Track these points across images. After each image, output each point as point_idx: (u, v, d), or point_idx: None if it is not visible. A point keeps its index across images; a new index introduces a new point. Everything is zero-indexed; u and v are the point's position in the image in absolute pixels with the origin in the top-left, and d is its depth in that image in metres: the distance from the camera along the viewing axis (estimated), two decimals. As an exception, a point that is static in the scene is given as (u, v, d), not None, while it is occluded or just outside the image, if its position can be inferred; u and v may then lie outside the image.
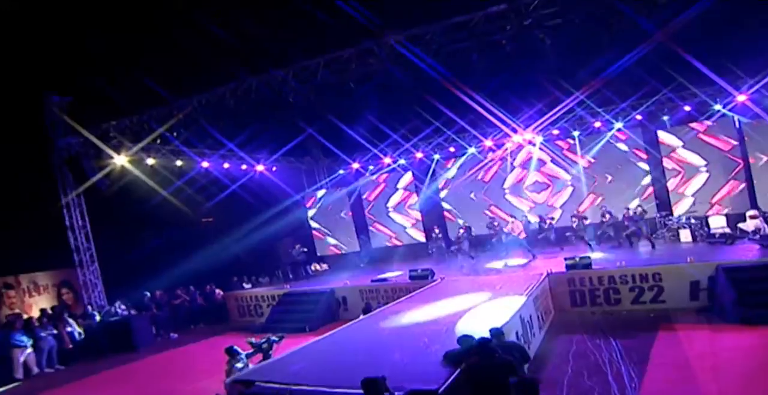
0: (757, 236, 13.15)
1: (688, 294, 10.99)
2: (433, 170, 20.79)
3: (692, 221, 15.29)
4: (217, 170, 18.42)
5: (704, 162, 16.36)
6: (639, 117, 16.88)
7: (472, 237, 17.96)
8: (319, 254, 21.99)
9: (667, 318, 10.50)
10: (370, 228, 22.08)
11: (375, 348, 7.18)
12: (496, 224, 16.43)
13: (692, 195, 16.58)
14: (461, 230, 16.65)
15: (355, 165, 21.50)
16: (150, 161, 15.80)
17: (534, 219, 16.76)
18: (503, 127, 17.22)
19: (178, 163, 17.09)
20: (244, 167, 19.42)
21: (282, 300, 14.74)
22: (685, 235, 14.71)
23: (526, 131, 17.81)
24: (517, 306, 8.55)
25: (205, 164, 17.93)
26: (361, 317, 9.90)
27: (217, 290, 17.19)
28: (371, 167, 21.68)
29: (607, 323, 10.63)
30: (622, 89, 15.98)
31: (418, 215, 21.14)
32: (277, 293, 15.24)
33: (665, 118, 16.78)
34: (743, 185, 15.69)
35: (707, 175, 16.34)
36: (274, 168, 20.53)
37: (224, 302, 16.68)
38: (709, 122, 16.33)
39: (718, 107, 15.97)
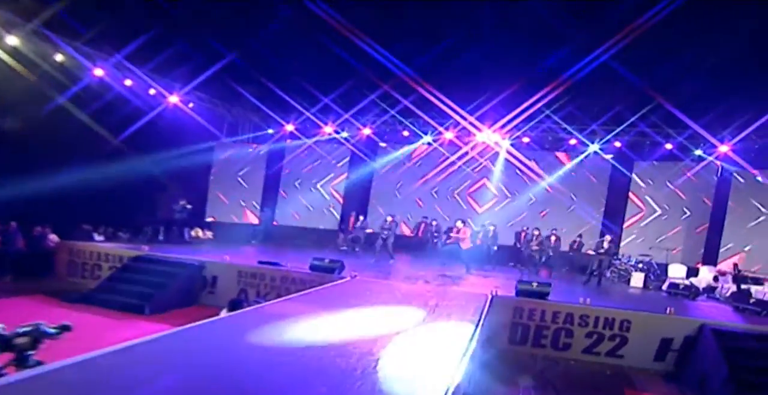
0: (719, 295, 11.22)
1: (654, 353, 8.76)
2: (376, 151, 17.40)
3: (640, 265, 13.25)
4: (117, 86, 13.80)
5: (671, 204, 14.45)
6: (618, 144, 14.79)
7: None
8: (207, 218, 17.73)
9: (629, 380, 8.15)
10: (279, 199, 18.20)
11: (226, 381, 3.62)
12: (433, 222, 13.43)
13: (643, 237, 14.59)
14: (389, 219, 13.33)
15: (289, 127, 17.52)
16: (12, 41, 11.16)
17: (489, 229, 13.79)
18: (460, 120, 14.51)
19: (59, 58, 12.49)
20: (152, 91, 14.85)
21: (129, 265, 10.61)
22: (637, 279, 12.59)
23: (492, 131, 15.08)
24: (467, 343, 5.38)
25: (98, 73, 13.31)
26: (223, 314, 6.27)
27: (52, 236, 12.61)
28: (307, 141, 17.79)
29: (552, 374, 8.04)
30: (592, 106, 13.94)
31: (341, 199, 17.67)
32: (128, 254, 11.07)
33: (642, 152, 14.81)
34: (704, 236, 13.90)
35: (671, 218, 14.44)
36: (191, 104, 16.02)
37: (54, 252, 12.14)
38: (690, 165, 14.50)
39: (698, 152, 14.25)
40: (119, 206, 14.71)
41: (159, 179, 15.25)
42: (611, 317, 8.80)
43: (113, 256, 11.17)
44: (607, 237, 12.37)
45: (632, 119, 14.01)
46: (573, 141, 15.38)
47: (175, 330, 4.86)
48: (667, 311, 8.77)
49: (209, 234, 16.23)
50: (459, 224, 12.35)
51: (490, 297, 8.99)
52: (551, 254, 12.95)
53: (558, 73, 12.60)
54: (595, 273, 12.29)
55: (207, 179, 17.86)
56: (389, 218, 13.27)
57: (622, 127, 14.39)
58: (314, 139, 17.60)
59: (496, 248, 13.55)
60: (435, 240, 14.11)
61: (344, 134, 17.36)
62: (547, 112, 14.55)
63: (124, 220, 14.93)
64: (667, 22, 10.98)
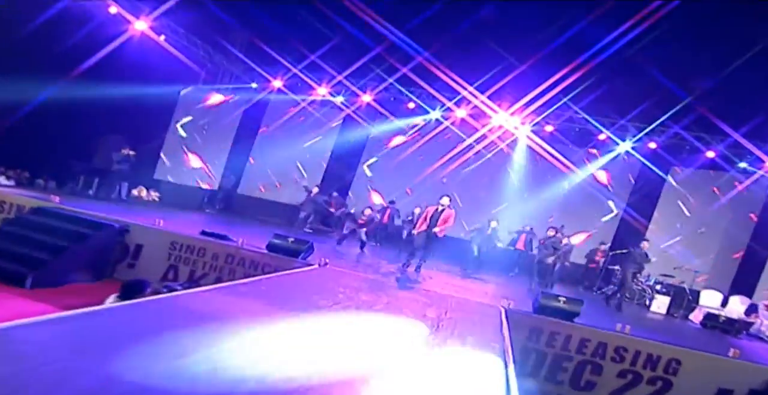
0: (759, 333, 9.30)
1: (706, 408, 6.56)
2: (374, 121, 14.92)
3: (658, 286, 11.28)
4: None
5: (708, 221, 12.49)
6: (653, 145, 12.77)
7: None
8: (157, 176, 15.03)
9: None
10: (248, 165, 15.58)
11: None
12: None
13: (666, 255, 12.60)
14: (377, 205, 10.86)
15: (276, 83, 14.75)
16: None
17: (489, 226, 11.41)
18: (470, 97, 12.32)
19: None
20: (113, 10, 12.06)
21: (24, 219, 7.96)
22: (661, 304, 10.57)
23: (509, 113, 12.91)
24: (505, 387, 3.13)
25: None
26: (108, 303, 3.87)
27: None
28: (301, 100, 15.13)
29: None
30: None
31: (322, 173, 15.24)
32: (28, 203, 8.41)
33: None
34: (737, 262, 12.01)
35: (705, 237, 12.50)
36: (162, 37, 13.18)
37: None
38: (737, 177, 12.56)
39: (743, 164, 12.33)
40: (47, 147, 11.95)
41: (106, 119, 12.53)
42: (656, 353, 6.69)
43: (10, 205, 8.48)
44: (645, 244, 10.13)
45: (663, 118, 12.04)
46: (602, 136, 13.24)
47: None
48: (731, 353, 6.68)
49: (155, 195, 13.57)
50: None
51: (503, 310, 6.77)
52: (567, 264, 10.75)
53: (582, 50, 10.98)
54: (617, 293, 10.21)
55: (166, 129, 15.09)
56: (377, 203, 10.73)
57: (654, 125, 12.37)
58: (302, 97, 14.94)
59: (484, 249, 11.16)
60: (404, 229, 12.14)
61: (339, 99, 14.82)
62: (566, 100, 12.47)
63: (52, 165, 12.20)
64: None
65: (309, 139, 15.24)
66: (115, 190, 12.34)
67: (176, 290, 4.62)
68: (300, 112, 14.99)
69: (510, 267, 12.06)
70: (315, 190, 12.69)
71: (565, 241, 10.91)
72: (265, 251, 7.82)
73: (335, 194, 13.54)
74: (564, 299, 7.06)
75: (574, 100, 12.61)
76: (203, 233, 8.32)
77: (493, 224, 11.48)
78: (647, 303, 11.06)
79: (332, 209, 13.13)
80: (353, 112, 14.82)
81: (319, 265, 7.50)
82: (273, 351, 3.12)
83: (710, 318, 9.35)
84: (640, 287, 11.42)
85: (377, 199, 14.70)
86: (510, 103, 12.95)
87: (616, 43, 10.78)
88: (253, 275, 7.16)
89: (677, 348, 6.76)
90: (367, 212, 11.13)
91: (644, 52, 10.90)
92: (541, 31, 11.09)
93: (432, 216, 8.47)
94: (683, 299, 10.44)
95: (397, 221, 13.13)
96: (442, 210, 8.51)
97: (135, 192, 13.08)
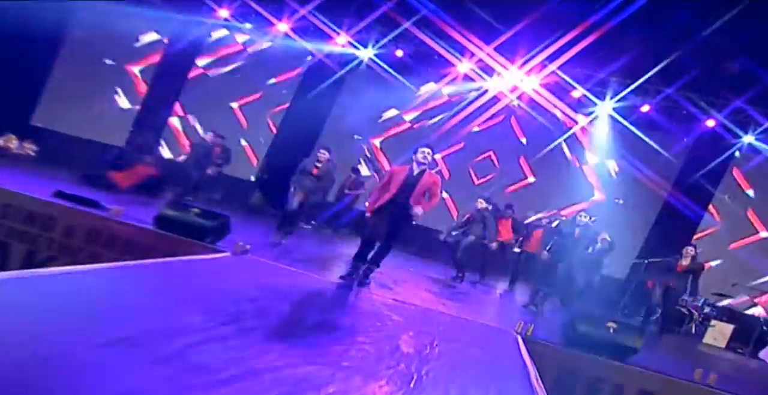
0: None
1: None
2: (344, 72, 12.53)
3: (708, 308, 9.59)
4: None
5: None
6: (711, 122, 11.00)
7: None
8: (36, 122, 12.53)
9: None
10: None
11: None
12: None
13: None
14: (323, 156, 7.70)
15: (223, 13, 11.95)
16: None
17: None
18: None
19: None
20: None
21: None
22: (721, 333, 8.77)
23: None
24: None
25: None
26: None
27: None
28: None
29: None
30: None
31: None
32: None
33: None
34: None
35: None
36: None
37: None
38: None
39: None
40: None
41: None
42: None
43: None
44: (689, 250, 8.27)
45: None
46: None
47: None
48: None
49: (30, 148, 11.12)
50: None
51: (519, 338, 4.83)
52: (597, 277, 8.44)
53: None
54: (656, 315, 8.39)
55: (52, 57, 12.50)
56: (323, 155, 7.88)
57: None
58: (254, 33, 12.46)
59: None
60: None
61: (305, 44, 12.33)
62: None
63: None
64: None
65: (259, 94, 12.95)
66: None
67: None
68: (249, 56, 12.66)
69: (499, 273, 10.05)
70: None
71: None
72: (151, 228, 5.68)
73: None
74: (614, 325, 5.13)
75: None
76: (58, 194, 6.11)
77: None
78: (693, 330, 9.31)
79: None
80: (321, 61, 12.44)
81: (233, 253, 5.40)
82: None
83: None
84: (684, 307, 9.66)
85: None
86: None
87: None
88: (127, 260, 5.05)
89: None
90: None
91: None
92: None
93: (404, 183, 5.54)
94: (753, 328, 8.65)
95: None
96: (421, 172, 5.63)
97: (1, 142, 10.68)
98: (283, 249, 7.14)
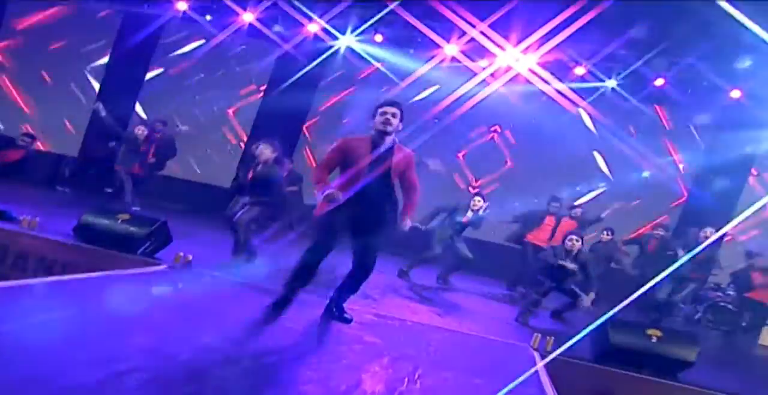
0: None
1: None
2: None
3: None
4: None
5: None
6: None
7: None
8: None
9: None
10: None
11: None
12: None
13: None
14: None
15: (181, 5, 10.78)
16: None
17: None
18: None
19: None
20: None
21: None
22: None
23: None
24: None
25: None
26: None
27: None
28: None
29: None
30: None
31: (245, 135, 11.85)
32: None
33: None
34: None
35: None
36: None
37: None
38: None
39: None
40: None
41: None
42: None
43: None
44: (708, 230, 6.93)
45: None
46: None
47: None
48: None
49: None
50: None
51: (537, 356, 3.72)
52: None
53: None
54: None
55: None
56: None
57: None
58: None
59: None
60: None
61: (277, 29, 11.21)
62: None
63: None
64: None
65: (228, 83, 11.85)
66: None
67: None
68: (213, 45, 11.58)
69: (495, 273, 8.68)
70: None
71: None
72: (70, 241, 4.62)
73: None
74: (658, 333, 4.01)
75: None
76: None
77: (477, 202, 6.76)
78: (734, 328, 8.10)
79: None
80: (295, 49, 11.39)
81: (168, 266, 4.32)
82: None
83: None
84: (720, 303, 8.44)
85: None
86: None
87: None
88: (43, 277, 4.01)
89: None
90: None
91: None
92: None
93: (371, 164, 3.51)
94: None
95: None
96: (390, 146, 3.58)
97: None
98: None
